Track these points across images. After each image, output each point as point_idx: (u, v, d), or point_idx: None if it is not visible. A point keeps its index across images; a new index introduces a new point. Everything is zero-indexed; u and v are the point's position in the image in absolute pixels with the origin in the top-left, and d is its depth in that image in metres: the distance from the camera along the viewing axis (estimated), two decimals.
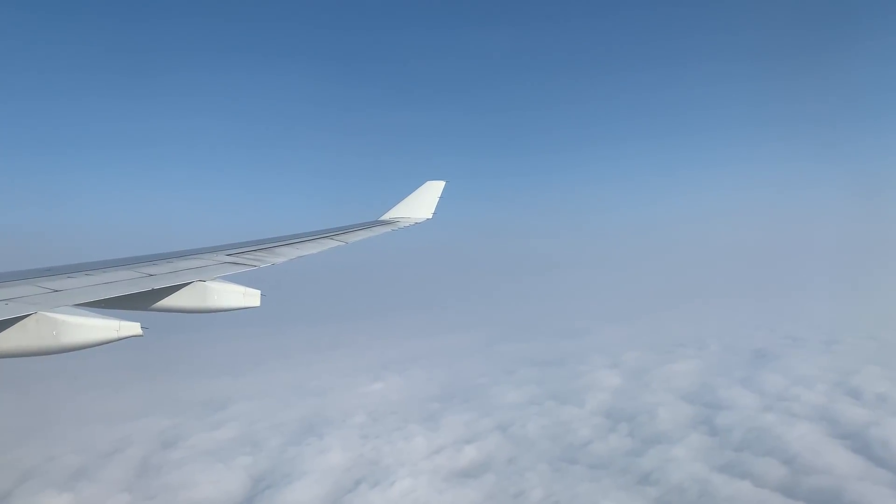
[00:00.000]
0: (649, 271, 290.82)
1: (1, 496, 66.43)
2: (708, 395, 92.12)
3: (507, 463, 72.94)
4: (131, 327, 6.59)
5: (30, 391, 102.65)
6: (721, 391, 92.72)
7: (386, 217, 17.29)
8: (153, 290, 8.01)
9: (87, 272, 8.50)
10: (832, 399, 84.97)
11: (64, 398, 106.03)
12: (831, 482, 60.45)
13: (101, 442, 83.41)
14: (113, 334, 6.48)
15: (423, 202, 17.82)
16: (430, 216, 17.65)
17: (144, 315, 7.86)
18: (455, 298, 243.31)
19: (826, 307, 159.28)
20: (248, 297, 8.87)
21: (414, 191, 18.25)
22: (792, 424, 76.50)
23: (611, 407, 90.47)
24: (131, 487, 69.00)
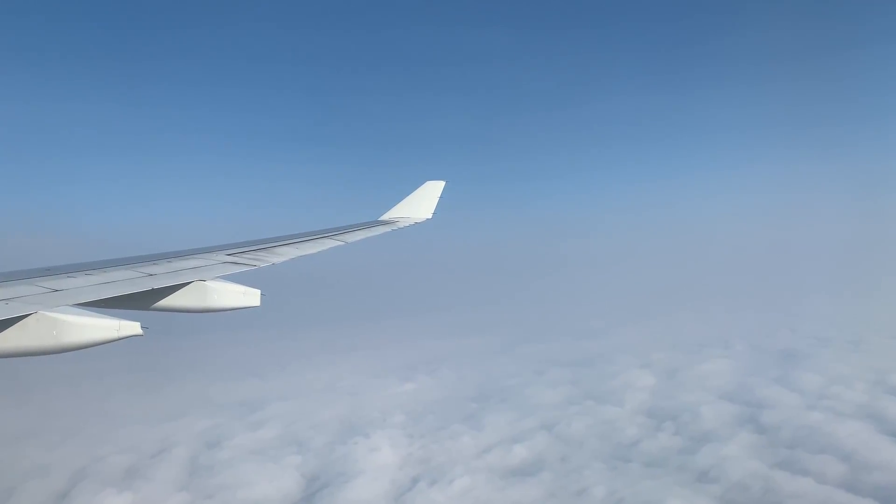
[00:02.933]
0: (659, 272, 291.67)
1: (58, 496, 65.85)
2: (747, 394, 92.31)
3: (560, 461, 72.81)
4: (131, 327, 6.53)
5: (53, 393, 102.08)
6: (760, 390, 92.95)
7: (386, 217, 17.29)
8: (153, 289, 8.02)
9: (87, 272, 8.46)
10: (874, 397, 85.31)
11: (92, 399, 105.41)
12: (894, 478, 60.71)
13: (144, 442, 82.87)
14: (113, 334, 6.42)
15: (422, 202, 17.83)
16: (430, 216, 17.65)
17: (144, 315, 7.86)
18: (465, 300, 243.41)
19: (844, 307, 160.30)
20: (248, 296, 8.91)
21: (414, 191, 18.25)
22: (840, 422, 76.64)
23: (651, 406, 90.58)
24: (188, 486, 68.49)
